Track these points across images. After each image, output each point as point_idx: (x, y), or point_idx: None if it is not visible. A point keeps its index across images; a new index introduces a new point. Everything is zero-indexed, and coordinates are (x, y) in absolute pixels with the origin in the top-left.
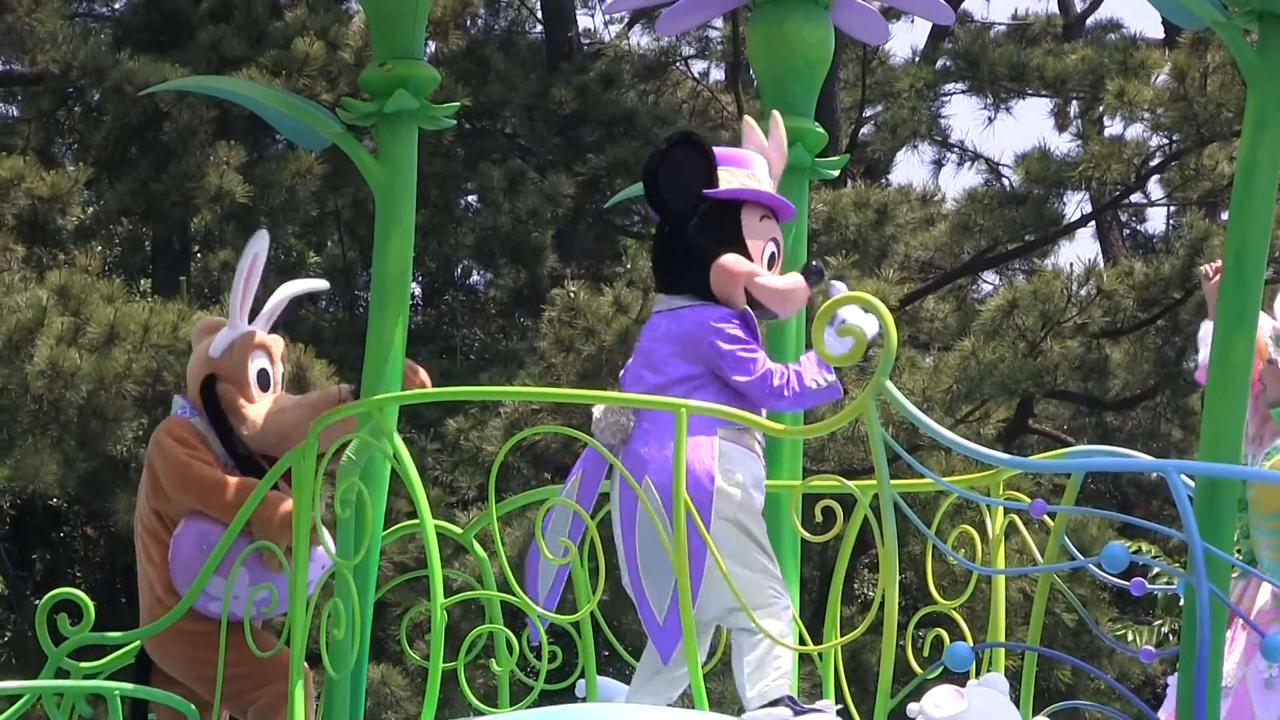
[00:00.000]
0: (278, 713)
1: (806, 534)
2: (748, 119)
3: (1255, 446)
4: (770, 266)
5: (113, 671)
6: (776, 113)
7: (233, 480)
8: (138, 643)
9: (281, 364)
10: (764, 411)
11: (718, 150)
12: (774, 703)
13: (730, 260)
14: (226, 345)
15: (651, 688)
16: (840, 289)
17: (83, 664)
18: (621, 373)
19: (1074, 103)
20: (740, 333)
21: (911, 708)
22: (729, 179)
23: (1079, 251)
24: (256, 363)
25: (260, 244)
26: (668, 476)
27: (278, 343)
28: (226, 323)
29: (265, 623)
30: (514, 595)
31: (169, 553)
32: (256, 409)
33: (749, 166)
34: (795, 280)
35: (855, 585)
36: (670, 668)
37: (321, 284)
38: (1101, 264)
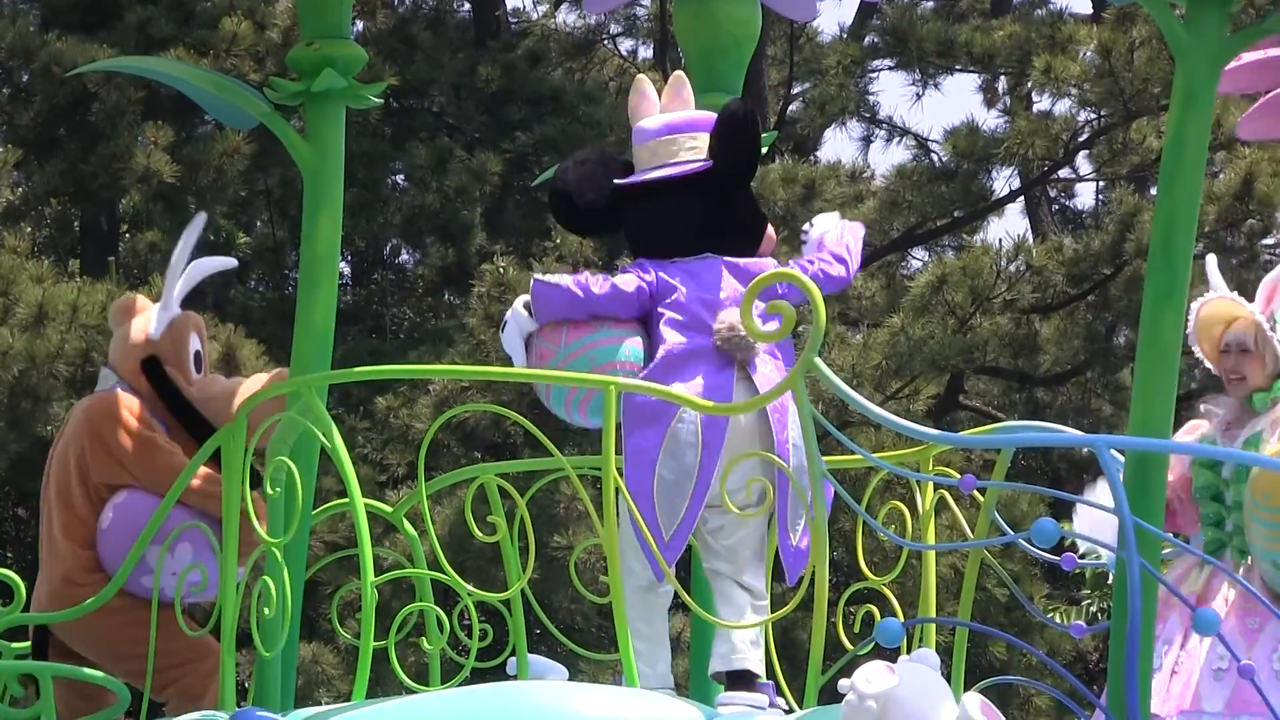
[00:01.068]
0: (202, 693)
1: (736, 510)
2: (642, 77)
3: (1227, 436)
4: None
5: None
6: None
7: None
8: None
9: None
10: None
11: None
12: (750, 678)
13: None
14: (165, 326)
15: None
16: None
17: (14, 644)
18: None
19: (1002, 78)
20: None
21: (842, 684)
22: None
23: (1008, 227)
24: (193, 344)
25: (198, 226)
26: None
27: (203, 323)
28: (143, 304)
29: (190, 604)
30: (444, 573)
31: (101, 527)
32: (202, 393)
33: None
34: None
35: None
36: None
37: (229, 262)
38: (1031, 240)
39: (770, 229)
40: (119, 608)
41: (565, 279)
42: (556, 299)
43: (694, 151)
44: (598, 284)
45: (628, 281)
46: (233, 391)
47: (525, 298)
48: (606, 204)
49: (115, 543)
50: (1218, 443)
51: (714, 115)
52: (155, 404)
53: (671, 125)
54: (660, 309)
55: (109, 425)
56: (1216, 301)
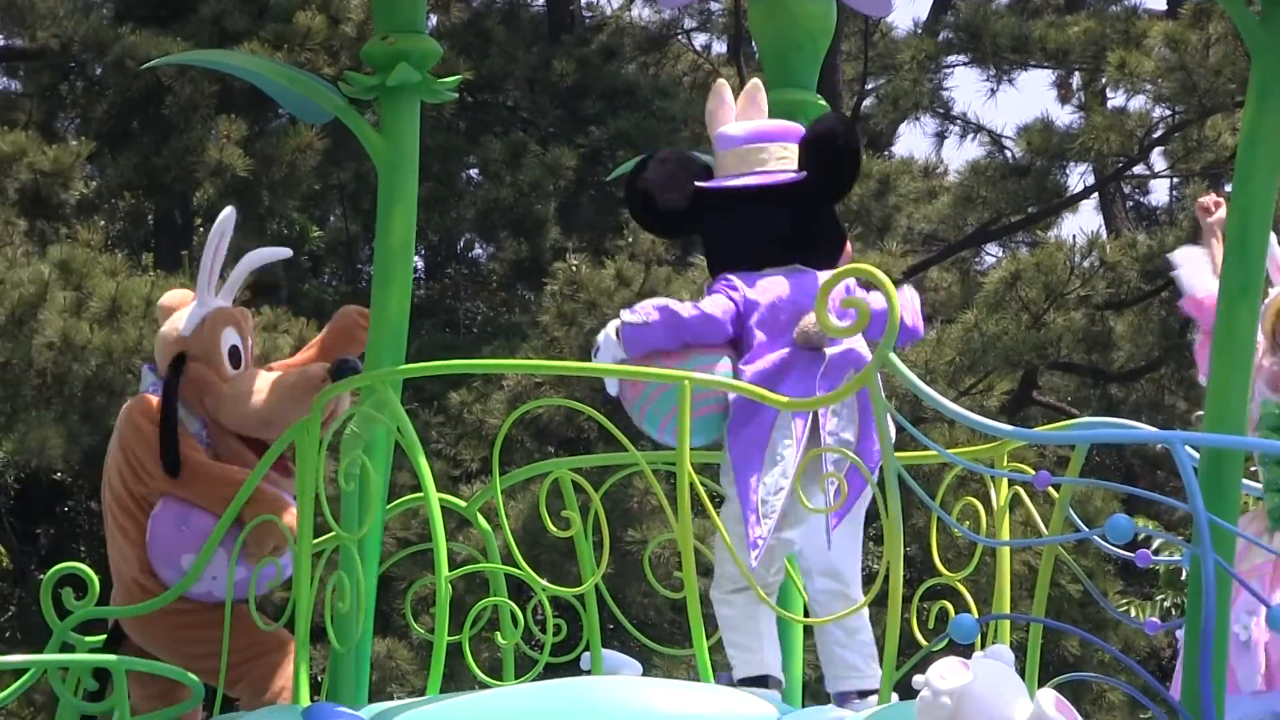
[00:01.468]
0: (269, 685)
1: (809, 506)
2: (722, 82)
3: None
4: None
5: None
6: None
7: (212, 464)
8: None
9: (251, 337)
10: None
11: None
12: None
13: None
14: (198, 322)
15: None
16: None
17: (88, 638)
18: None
19: (1076, 74)
20: None
21: (917, 680)
22: None
23: (1082, 223)
24: (228, 339)
25: (229, 220)
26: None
27: (247, 316)
28: (193, 297)
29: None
30: (518, 568)
31: (147, 533)
32: (235, 390)
33: None
34: None
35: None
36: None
37: (284, 252)
38: (1105, 236)
39: (847, 244)
40: (175, 609)
41: (653, 312)
42: (646, 337)
43: (784, 161)
44: (686, 310)
45: (717, 304)
46: (271, 406)
47: (617, 322)
48: (687, 206)
49: (158, 554)
50: None
51: (802, 127)
52: (186, 402)
53: (760, 134)
54: (752, 325)
55: (131, 434)
56: None
